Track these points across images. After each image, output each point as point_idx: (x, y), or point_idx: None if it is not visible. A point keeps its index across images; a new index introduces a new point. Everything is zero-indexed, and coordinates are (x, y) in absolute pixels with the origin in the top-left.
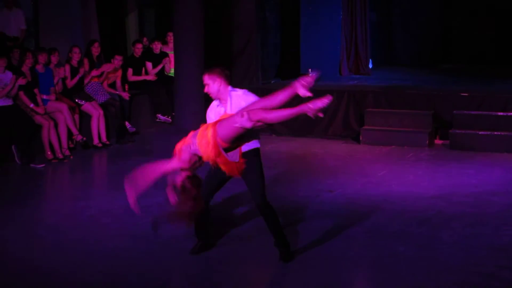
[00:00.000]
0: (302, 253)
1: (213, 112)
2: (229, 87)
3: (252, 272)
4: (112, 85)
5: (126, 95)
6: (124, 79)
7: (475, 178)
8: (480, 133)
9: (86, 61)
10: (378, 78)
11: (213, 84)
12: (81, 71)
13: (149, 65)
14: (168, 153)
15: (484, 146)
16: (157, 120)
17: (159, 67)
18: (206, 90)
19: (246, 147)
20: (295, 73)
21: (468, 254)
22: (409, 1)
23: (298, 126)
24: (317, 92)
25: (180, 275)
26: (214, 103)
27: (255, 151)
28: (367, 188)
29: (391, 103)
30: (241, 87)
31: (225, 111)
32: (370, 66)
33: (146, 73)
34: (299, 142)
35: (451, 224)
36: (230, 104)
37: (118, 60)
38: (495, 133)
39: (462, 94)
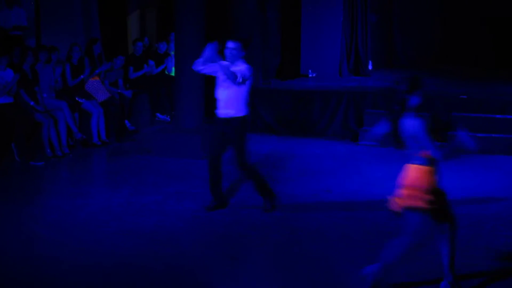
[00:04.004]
0: (299, 251)
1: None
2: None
3: (246, 269)
4: (114, 84)
5: (128, 93)
6: (126, 77)
7: (472, 180)
8: (478, 135)
9: (86, 60)
10: (378, 79)
11: (237, 51)
12: (86, 71)
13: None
14: (166, 152)
15: (482, 148)
16: (157, 119)
17: (162, 67)
18: (231, 53)
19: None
20: (295, 74)
21: (464, 255)
22: (409, 3)
23: (297, 127)
24: (317, 93)
25: (176, 271)
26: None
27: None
28: (365, 189)
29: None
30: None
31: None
32: (370, 67)
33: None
34: (298, 142)
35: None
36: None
37: (121, 60)
38: (493, 135)
39: (461, 96)
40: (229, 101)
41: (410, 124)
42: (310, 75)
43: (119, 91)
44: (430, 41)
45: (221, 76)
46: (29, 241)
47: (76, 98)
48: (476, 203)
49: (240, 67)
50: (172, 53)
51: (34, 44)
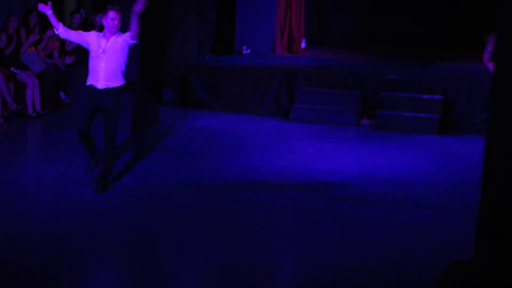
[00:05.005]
0: (230, 226)
1: (95, 39)
2: None
3: (177, 241)
4: (49, 55)
5: (64, 63)
6: (62, 49)
7: (399, 158)
8: (405, 114)
9: (22, 30)
10: (311, 58)
11: (119, 22)
12: (21, 42)
13: None
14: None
15: (409, 127)
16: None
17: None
18: (115, 23)
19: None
20: (230, 50)
21: (388, 231)
22: None
23: (230, 102)
24: (251, 70)
25: (108, 242)
26: (96, 33)
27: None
28: (295, 165)
29: (321, 82)
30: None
31: (106, 43)
32: (303, 45)
33: None
34: (231, 118)
35: (373, 202)
36: (112, 41)
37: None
38: (420, 115)
39: (390, 76)
40: (108, 72)
41: None
42: (244, 52)
43: (54, 62)
44: (363, 21)
45: (95, 48)
46: None
47: (12, 69)
48: (401, 180)
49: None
50: None
51: None
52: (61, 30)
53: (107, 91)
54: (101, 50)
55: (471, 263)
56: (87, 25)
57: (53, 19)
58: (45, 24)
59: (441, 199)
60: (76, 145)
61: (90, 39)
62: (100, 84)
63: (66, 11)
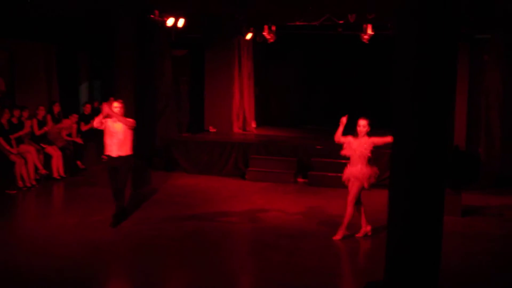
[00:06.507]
0: (203, 256)
1: (110, 124)
2: None
3: (168, 269)
4: (69, 134)
5: (80, 141)
6: (78, 130)
7: (326, 206)
8: (329, 174)
9: (49, 116)
10: (260, 134)
11: (121, 109)
12: (48, 125)
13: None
14: (107, 183)
15: (332, 183)
16: (103, 160)
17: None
18: (119, 111)
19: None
20: (200, 129)
21: (321, 259)
22: (281, 78)
23: (202, 166)
24: (216, 143)
25: (115, 271)
26: (111, 120)
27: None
28: (251, 212)
29: (268, 152)
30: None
31: (115, 126)
32: (254, 125)
33: None
34: (203, 178)
35: (309, 238)
36: (119, 124)
37: (74, 117)
38: (340, 174)
39: (317, 146)
40: (120, 145)
41: None
42: (211, 130)
43: (72, 139)
44: (296, 107)
45: (111, 129)
46: (7, 249)
47: (41, 144)
48: (329, 221)
49: (128, 119)
50: None
51: (10, 104)
52: (99, 125)
53: (119, 157)
54: (113, 131)
55: (382, 282)
56: (97, 112)
57: (117, 117)
58: (65, 111)
59: None
60: (89, 200)
61: (107, 124)
62: (114, 154)
63: (81, 101)
